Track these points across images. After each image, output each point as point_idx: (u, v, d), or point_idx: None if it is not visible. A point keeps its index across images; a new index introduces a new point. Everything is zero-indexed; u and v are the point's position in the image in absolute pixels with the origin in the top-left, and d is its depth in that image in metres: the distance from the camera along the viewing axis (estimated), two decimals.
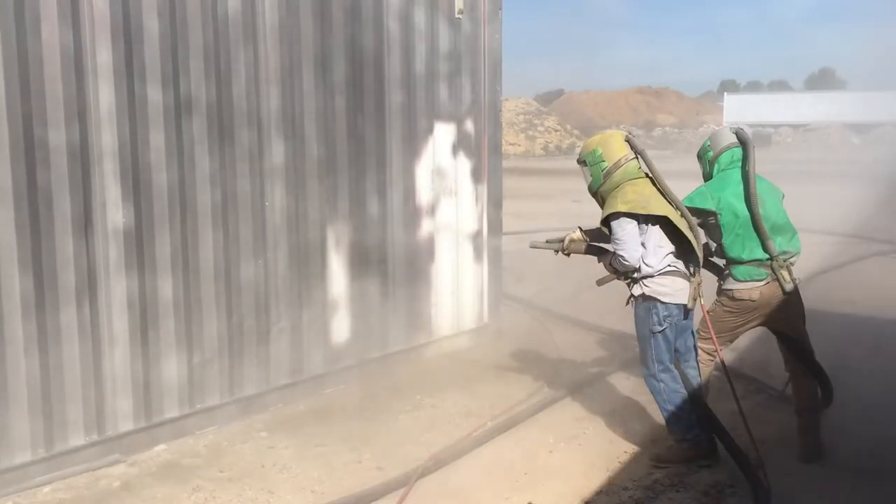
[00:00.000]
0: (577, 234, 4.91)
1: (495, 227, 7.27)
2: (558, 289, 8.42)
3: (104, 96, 4.59)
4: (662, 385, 4.47)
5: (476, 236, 7.08)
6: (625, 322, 6.84)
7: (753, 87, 60.67)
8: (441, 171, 6.71)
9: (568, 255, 4.96)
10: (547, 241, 5.03)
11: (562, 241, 4.94)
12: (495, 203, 7.25)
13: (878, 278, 9.56)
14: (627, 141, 4.55)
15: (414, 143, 6.46)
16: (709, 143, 4.81)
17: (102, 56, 4.57)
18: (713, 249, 4.67)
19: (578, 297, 8.07)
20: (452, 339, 6.91)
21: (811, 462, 4.51)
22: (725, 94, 48.05)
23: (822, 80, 59.71)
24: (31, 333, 4.34)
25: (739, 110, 43.92)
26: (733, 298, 4.59)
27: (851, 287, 8.86)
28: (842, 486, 4.26)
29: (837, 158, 23.62)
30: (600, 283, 4.77)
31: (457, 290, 6.94)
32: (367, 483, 4.33)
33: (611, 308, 7.37)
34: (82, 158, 4.51)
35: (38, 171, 4.33)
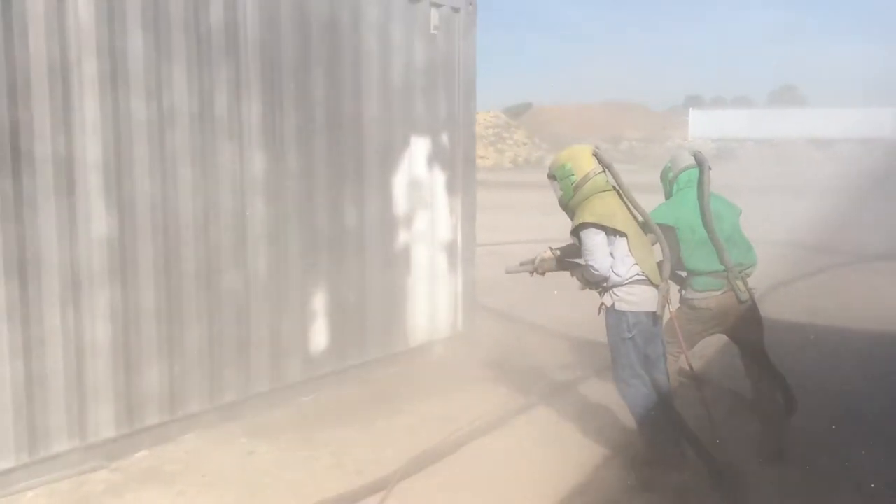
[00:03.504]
0: (548, 254, 5.11)
1: (469, 238, 7.42)
2: (530, 299, 8.58)
3: (89, 108, 4.67)
4: (633, 390, 4.63)
5: (451, 247, 7.23)
6: (595, 331, 7.04)
7: (718, 102, 61.68)
8: (417, 182, 6.85)
9: (542, 274, 5.16)
10: (521, 264, 5.24)
11: (533, 261, 5.14)
12: (469, 214, 7.41)
13: (841, 288, 9.87)
14: (595, 155, 4.75)
15: (391, 155, 6.60)
16: (669, 164, 5.13)
17: (88, 69, 4.66)
18: (674, 261, 4.90)
19: (550, 307, 8.25)
20: (428, 346, 7.04)
21: (773, 463, 4.71)
22: (691, 109, 48.76)
23: (785, 97, 60.87)
24: (16, 340, 4.40)
25: (704, 125, 44.60)
26: (692, 307, 4.86)
27: (815, 297, 9.15)
28: (801, 485, 4.46)
29: (799, 173, 24.18)
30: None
31: (432, 299, 7.08)
32: (348, 487, 4.44)
33: (582, 318, 7.56)
34: (67, 169, 4.58)
35: (25, 181, 4.41)
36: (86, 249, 4.69)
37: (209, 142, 5.31)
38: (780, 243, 11.75)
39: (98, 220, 4.74)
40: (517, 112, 52.00)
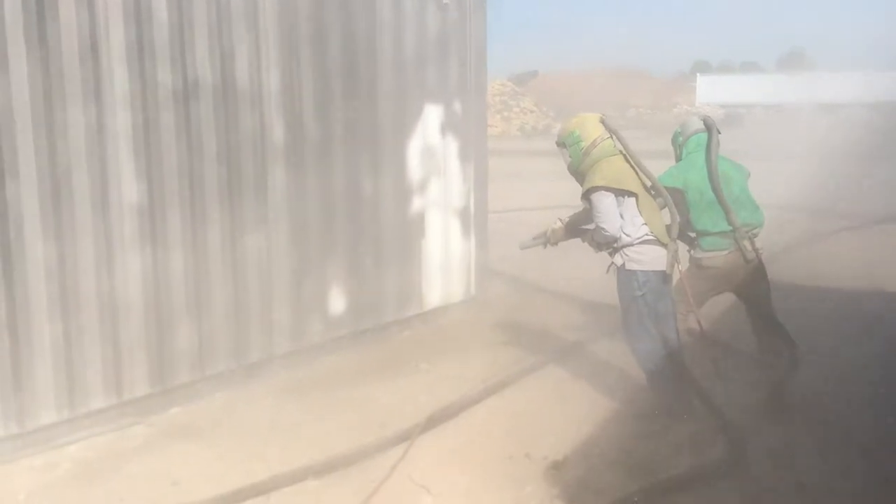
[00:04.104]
0: (558, 224, 5.31)
1: (481, 204, 7.60)
2: (541, 264, 8.76)
3: (119, 77, 4.85)
4: (643, 346, 4.84)
5: (463, 213, 7.41)
6: (604, 294, 7.25)
7: (725, 67, 61.30)
8: (430, 150, 7.02)
9: (555, 244, 5.37)
10: (533, 238, 5.47)
11: (545, 234, 5.35)
12: (481, 181, 7.58)
13: (845, 251, 10.02)
14: (602, 122, 4.93)
15: (405, 123, 6.76)
16: (679, 129, 5.29)
17: (116, 38, 4.83)
18: (683, 222, 5.09)
19: (560, 272, 8.44)
20: (442, 310, 7.25)
21: (778, 415, 4.92)
22: (698, 74, 48.48)
23: (792, 61, 60.43)
24: (55, 301, 4.62)
25: (712, 91, 44.39)
26: (701, 266, 5.07)
27: (820, 260, 9.32)
28: (806, 436, 4.67)
29: (807, 138, 24.18)
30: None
31: (446, 264, 7.27)
32: (374, 439, 4.67)
33: (591, 281, 7.76)
34: (99, 137, 4.77)
35: (59, 148, 4.60)
36: (118, 214, 4.90)
37: (231, 110, 5.48)
38: (788, 208, 11.88)
39: (129, 188, 4.93)
40: (523, 80, 51.76)
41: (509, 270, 8.84)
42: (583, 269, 7.84)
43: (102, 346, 4.86)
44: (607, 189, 4.68)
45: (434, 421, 4.92)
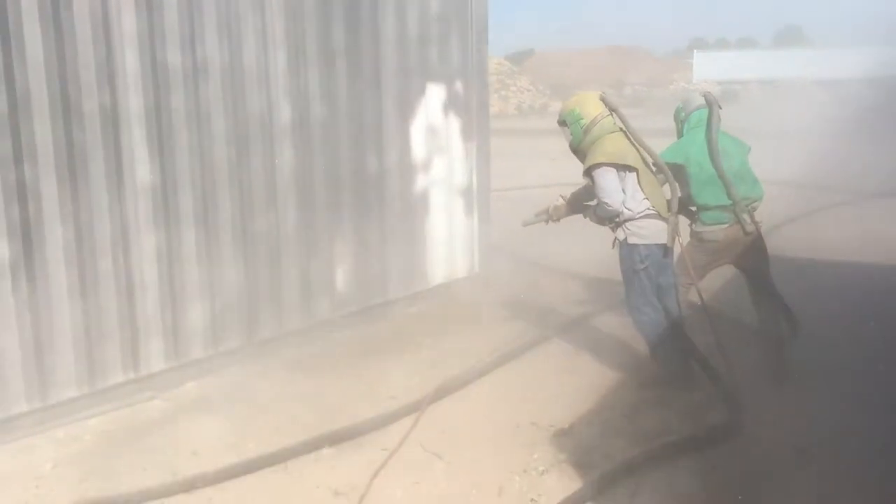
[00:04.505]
0: (560, 201, 5.45)
1: (484, 181, 7.72)
2: (542, 241, 8.89)
3: (130, 61, 4.95)
4: (646, 318, 4.99)
5: (466, 191, 7.53)
6: (604, 269, 7.42)
7: (722, 44, 61.19)
8: (433, 129, 7.13)
9: (557, 220, 5.51)
10: (536, 215, 5.62)
11: (547, 210, 5.49)
12: (484, 159, 7.69)
13: (841, 226, 10.17)
14: (602, 100, 5.05)
15: (408, 102, 6.87)
16: (681, 105, 5.42)
17: (128, 23, 4.92)
18: (684, 196, 5.23)
19: (560, 248, 8.58)
20: (446, 286, 7.39)
21: (777, 383, 5.08)
22: (695, 51, 48.39)
23: (788, 37, 60.32)
24: (74, 280, 4.76)
25: (709, 68, 44.33)
26: (701, 239, 5.20)
27: (817, 232, 9.47)
28: (802, 402, 4.84)
29: (804, 114, 24.25)
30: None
31: (450, 242, 7.40)
32: (385, 410, 4.82)
33: (590, 257, 7.94)
34: (113, 120, 4.88)
35: (75, 132, 4.71)
36: (132, 196, 5.01)
37: (239, 92, 5.59)
38: (783, 183, 12.00)
39: (142, 169, 5.05)
40: (519, 59, 51.62)
41: (510, 247, 8.98)
42: (581, 245, 8.05)
43: (120, 323, 5.00)
44: (609, 165, 4.81)
45: (442, 392, 5.07)
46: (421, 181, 7.06)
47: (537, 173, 14.23)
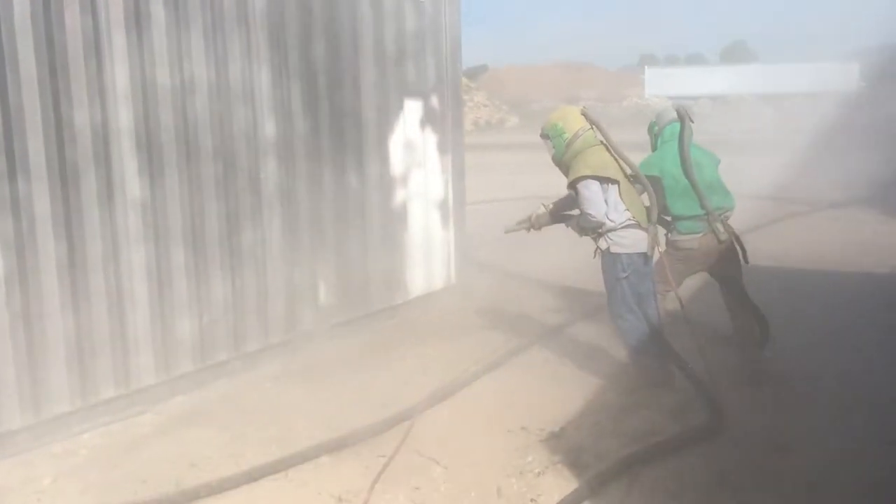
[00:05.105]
0: (542, 210, 5.62)
1: (459, 194, 7.87)
2: (516, 252, 9.07)
3: (120, 77, 5.00)
4: (629, 324, 5.17)
5: (443, 203, 7.68)
6: (575, 279, 7.63)
7: (672, 60, 62.60)
8: (411, 143, 7.27)
9: (538, 229, 5.68)
10: (518, 223, 5.79)
11: (529, 218, 5.66)
12: (459, 172, 7.85)
13: (795, 235, 10.55)
14: (583, 114, 5.25)
15: (387, 118, 7.00)
16: (655, 119, 5.65)
17: (117, 40, 4.98)
18: (660, 207, 5.45)
19: (536, 259, 8.76)
20: (425, 298, 7.50)
21: (755, 385, 5.29)
22: (646, 67, 49.37)
23: (735, 53, 61.90)
24: (66, 294, 4.78)
25: (660, 83, 45.28)
26: (677, 248, 5.43)
27: (775, 242, 9.80)
28: (778, 402, 5.06)
29: (754, 129, 24.94)
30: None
31: (427, 254, 7.53)
32: (377, 417, 4.91)
33: (561, 268, 8.15)
34: (104, 136, 4.93)
35: (67, 147, 4.75)
36: (122, 211, 5.05)
37: (225, 108, 5.66)
38: (742, 196, 12.35)
39: (132, 184, 5.10)
40: (474, 74, 52.06)
41: (485, 259, 9.14)
42: (552, 256, 8.26)
43: (111, 337, 5.02)
44: (593, 177, 4.99)
45: (432, 400, 5.18)
46: (400, 194, 7.18)
47: (500, 186, 14.43)
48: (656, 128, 5.58)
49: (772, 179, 14.10)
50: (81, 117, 4.80)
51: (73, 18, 4.75)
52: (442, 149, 7.61)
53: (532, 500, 3.96)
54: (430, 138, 7.49)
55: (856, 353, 5.88)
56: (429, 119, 7.44)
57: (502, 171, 18.04)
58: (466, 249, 8.06)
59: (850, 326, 6.46)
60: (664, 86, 44.01)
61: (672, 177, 5.36)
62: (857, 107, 21.89)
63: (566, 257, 8.43)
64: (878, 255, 9.01)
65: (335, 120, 6.49)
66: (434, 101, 7.50)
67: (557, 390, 5.38)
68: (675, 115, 5.49)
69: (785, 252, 9.20)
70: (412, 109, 7.26)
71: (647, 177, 5.28)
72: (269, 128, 5.96)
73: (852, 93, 30.34)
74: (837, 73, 38.93)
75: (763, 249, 9.14)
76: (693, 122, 5.46)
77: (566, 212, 5.50)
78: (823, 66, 39.94)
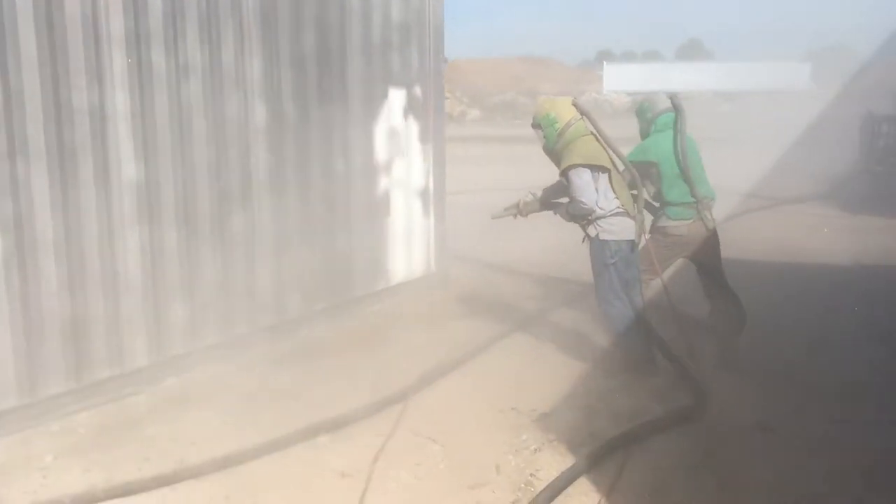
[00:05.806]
0: (530, 197, 5.77)
1: (440, 183, 7.99)
2: (496, 241, 9.23)
3: (117, 62, 5.02)
4: (615, 310, 5.35)
5: (424, 192, 7.79)
6: (552, 268, 7.80)
7: (628, 56, 63.39)
8: (394, 132, 7.36)
9: (525, 216, 5.83)
10: (505, 209, 5.92)
11: (517, 205, 5.80)
12: (440, 162, 7.97)
13: (759, 229, 10.88)
14: (574, 105, 5.40)
15: (372, 106, 7.09)
16: (647, 104, 5.76)
17: (115, 25, 5.00)
18: (651, 193, 5.62)
19: (511, 248, 8.93)
20: (406, 285, 7.62)
21: (731, 370, 5.52)
22: (605, 63, 49.92)
23: (690, 51, 62.96)
24: (63, 275, 4.80)
25: (618, 79, 45.83)
26: (666, 234, 5.60)
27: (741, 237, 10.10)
28: (754, 386, 5.30)
29: (711, 125, 25.45)
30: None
31: (408, 241, 7.64)
32: (369, 400, 5.02)
33: (536, 256, 8.33)
34: (101, 118, 4.95)
35: (65, 129, 4.76)
36: (118, 193, 5.08)
37: (218, 94, 5.70)
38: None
39: (128, 167, 5.12)
40: None
41: (462, 247, 9.26)
42: (527, 244, 8.43)
43: (106, 318, 5.05)
44: (584, 166, 5.16)
45: (423, 382, 5.31)
46: (383, 182, 7.28)
47: (468, 177, 14.57)
48: (649, 114, 5.70)
49: (733, 174, 14.45)
50: (79, 100, 4.82)
51: (72, 3, 4.76)
52: (424, 137, 7.72)
53: (531, 474, 4.11)
54: (413, 127, 7.60)
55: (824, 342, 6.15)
56: (412, 108, 7.54)
57: (466, 162, 18.21)
58: (446, 237, 8.18)
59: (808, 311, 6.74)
60: (622, 82, 44.54)
61: (669, 163, 5.52)
62: (811, 105, 22.54)
63: (537, 246, 8.65)
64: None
65: (323, 108, 6.56)
66: (417, 90, 7.60)
67: (543, 373, 5.55)
68: (668, 103, 5.64)
69: (745, 245, 9.50)
70: (396, 99, 7.36)
71: (643, 162, 5.46)
72: (259, 114, 6.01)
73: (805, 92, 31.16)
74: (790, 72, 39.97)
75: (732, 242, 9.48)
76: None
77: (555, 199, 5.66)
78: (777, 65, 40.96)
